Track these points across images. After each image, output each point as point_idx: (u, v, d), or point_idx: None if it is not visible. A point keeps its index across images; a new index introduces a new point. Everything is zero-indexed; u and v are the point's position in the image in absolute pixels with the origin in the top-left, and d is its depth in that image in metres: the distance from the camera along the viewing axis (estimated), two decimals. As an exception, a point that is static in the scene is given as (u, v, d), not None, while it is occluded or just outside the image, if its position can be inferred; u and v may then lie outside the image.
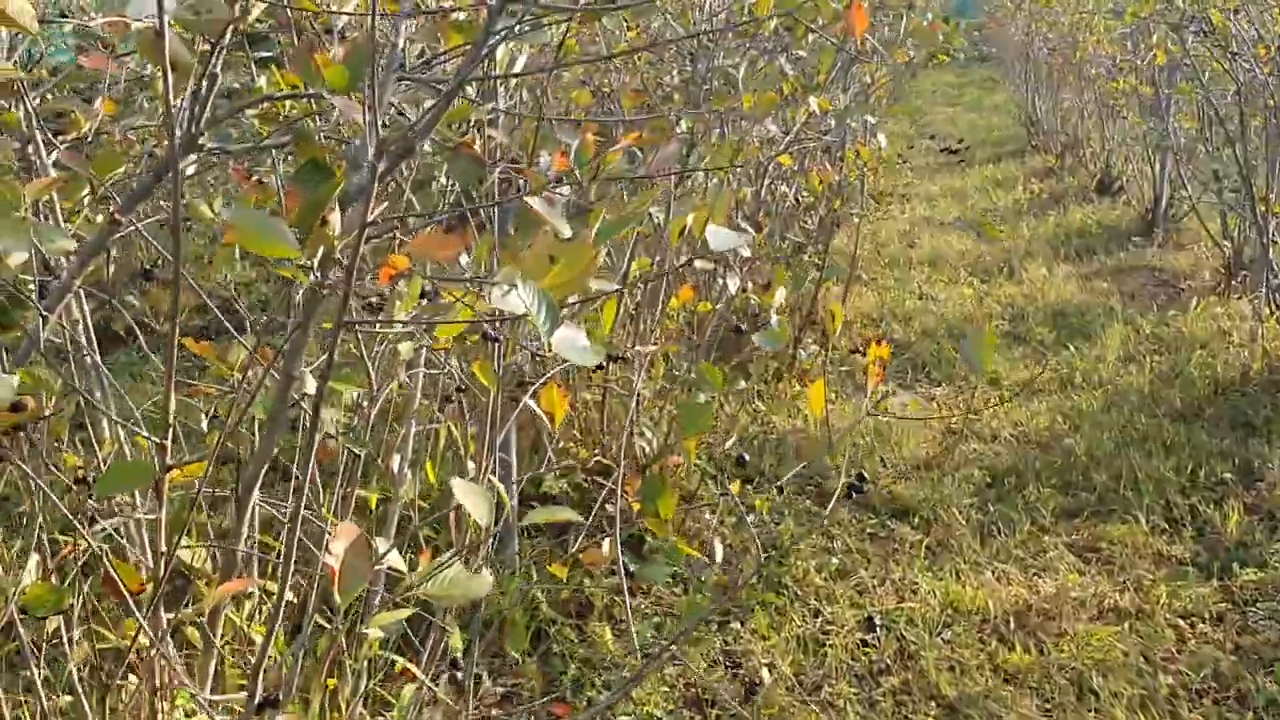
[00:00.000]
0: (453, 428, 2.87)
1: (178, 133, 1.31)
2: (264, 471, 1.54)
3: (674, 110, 3.01)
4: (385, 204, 1.07)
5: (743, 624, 3.19)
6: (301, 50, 1.35)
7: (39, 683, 1.60)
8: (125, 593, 1.39)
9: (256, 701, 1.26)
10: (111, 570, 1.41)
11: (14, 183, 1.46)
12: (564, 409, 1.65)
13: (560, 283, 1.03)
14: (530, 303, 0.97)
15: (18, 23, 1.12)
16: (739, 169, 3.53)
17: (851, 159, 4.41)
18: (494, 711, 2.77)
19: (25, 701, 2.01)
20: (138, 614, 1.38)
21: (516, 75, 1.93)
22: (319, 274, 1.11)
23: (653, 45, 3.45)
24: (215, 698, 1.30)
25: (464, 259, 1.50)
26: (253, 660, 1.38)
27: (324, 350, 1.34)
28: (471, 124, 2.07)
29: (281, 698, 1.29)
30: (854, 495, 1.88)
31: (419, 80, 1.42)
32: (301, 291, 1.30)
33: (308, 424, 1.43)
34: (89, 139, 1.64)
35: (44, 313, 1.53)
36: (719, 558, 1.98)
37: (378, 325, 1.36)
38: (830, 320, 2.24)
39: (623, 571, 1.75)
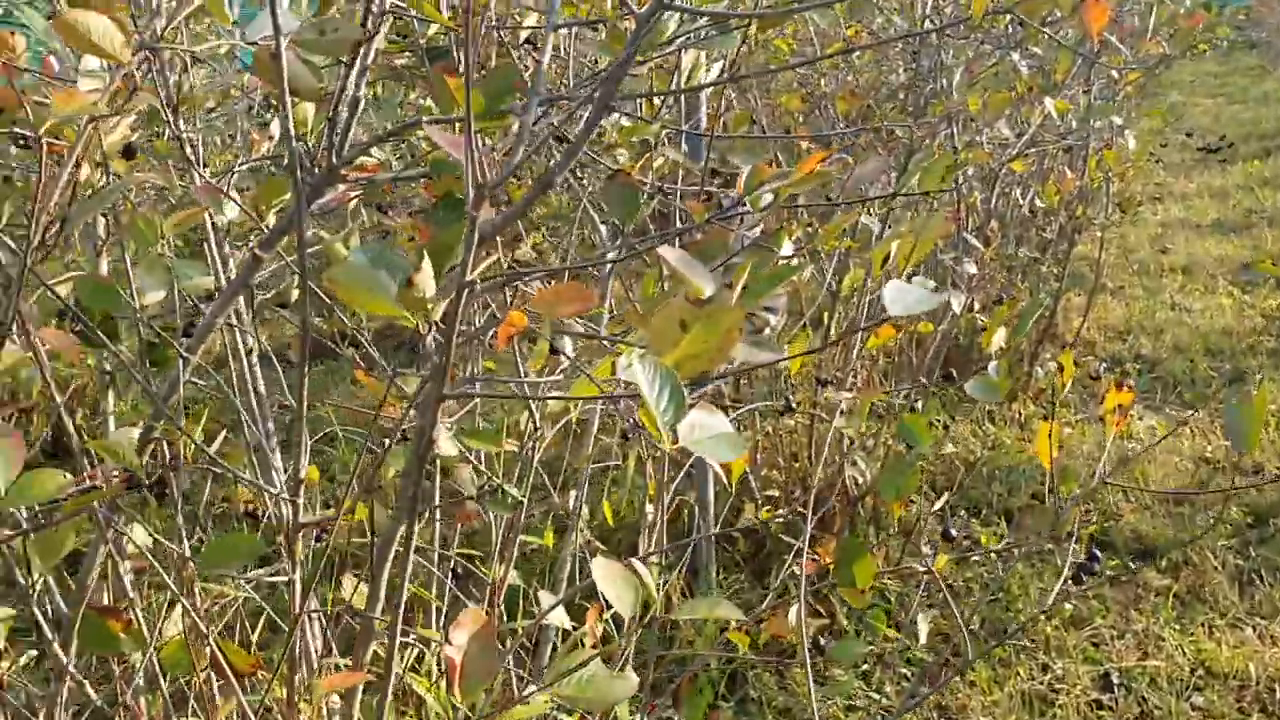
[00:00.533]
0: (641, 452, 2.71)
1: (300, 157, 1.18)
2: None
3: (887, 120, 2.74)
4: (492, 258, 0.90)
5: (961, 675, 2.90)
6: (436, 72, 1.20)
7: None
8: (231, 675, 1.29)
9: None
10: (218, 650, 1.30)
11: (153, 215, 1.39)
12: (742, 465, 1.44)
13: (691, 355, 0.83)
14: (648, 382, 0.78)
15: (105, 50, 1.01)
16: (962, 180, 3.21)
17: (1094, 165, 3.98)
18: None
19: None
20: (240, 694, 1.26)
21: (690, 90, 1.73)
22: (437, 325, 0.95)
23: (871, 45, 3.18)
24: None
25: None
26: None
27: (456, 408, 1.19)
28: (656, 142, 1.89)
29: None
30: (1084, 575, 1.59)
31: (559, 99, 1.25)
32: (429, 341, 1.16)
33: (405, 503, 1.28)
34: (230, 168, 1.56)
35: (184, 354, 1.45)
36: (924, 637, 1.72)
37: (483, 395, 1.20)
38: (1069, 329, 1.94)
39: (806, 652, 1.53)
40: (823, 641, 1.91)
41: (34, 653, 1.58)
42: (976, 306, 3.79)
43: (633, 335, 0.99)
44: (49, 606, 1.68)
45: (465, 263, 0.84)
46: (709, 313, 0.83)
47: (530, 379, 1.27)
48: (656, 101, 2.17)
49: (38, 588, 1.38)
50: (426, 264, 0.87)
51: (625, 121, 1.88)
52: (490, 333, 1.17)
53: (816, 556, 1.93)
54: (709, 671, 2.89)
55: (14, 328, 1.39)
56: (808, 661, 1.76)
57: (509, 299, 1.32)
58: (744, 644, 1.77)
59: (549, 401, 1.46)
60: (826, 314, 2.88)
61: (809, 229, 3.39)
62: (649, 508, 1.95)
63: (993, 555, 3.36)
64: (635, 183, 1.29)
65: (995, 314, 2.23)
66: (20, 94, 1.01)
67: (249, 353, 1.99)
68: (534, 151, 1.38)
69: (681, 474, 2.39)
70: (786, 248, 1.44)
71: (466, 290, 0.86)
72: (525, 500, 1.70)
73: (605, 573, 1.15)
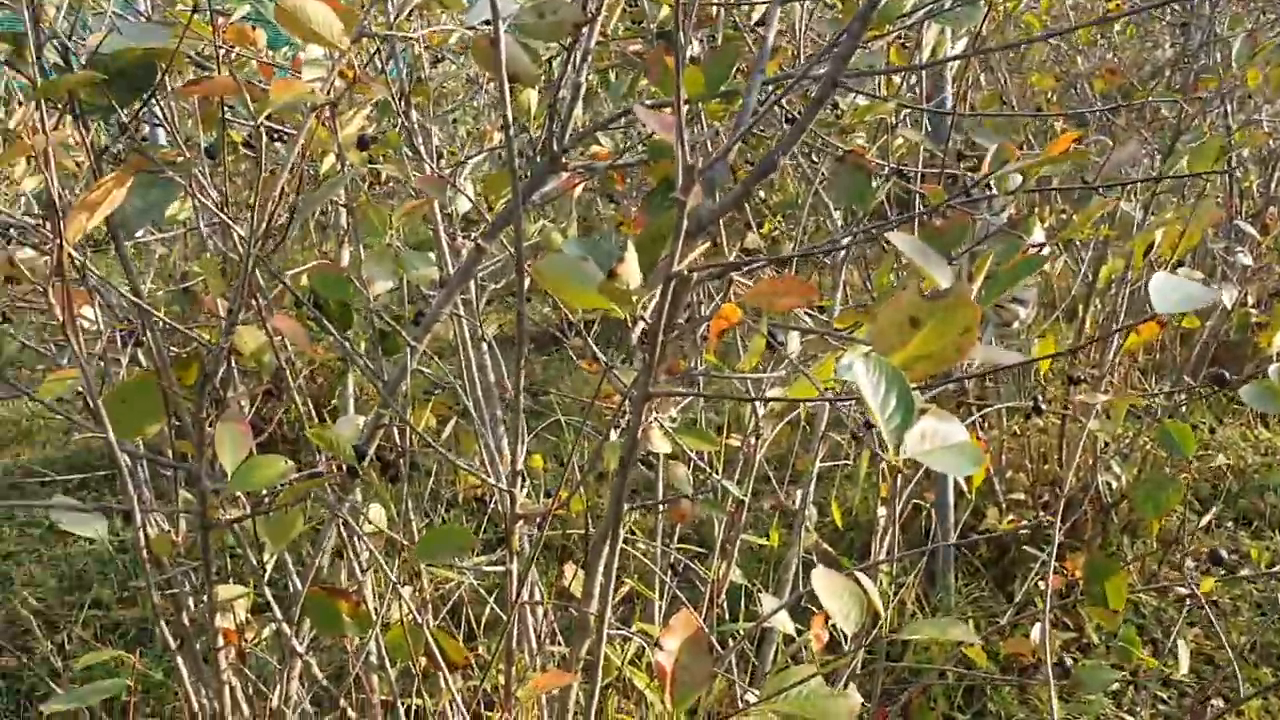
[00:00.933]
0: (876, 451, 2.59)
1: (520, 147, 1.16)
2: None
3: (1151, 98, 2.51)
4: (706, 245, 0.84)
5: (1226, 699, 2.64)
6: (655, 55, 1.15)
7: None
8: (445, 667, 1.28)
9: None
10: (433, 642, 1.30)
11: (381, 206, 1.40)
12: (984, 472, 1.33)
13: (922, 355, 0.74)
14: (871, 386, 0.70)
15: (325, 39, 1.01)
16: (1235, 162, 2.92)
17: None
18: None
19: None
20: (451, 687, 1.25)
21: (931, 65, 1.61)
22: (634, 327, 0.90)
23: (1134, 11, 2.93)
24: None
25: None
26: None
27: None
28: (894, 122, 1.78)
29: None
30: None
31: (785, 78, 1.17)
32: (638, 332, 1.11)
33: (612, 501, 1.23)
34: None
35: (411, 343, 1.46)
36: (1185, 666, 1.55)
37: (684, 397, 1.14)
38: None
39: (1050, 671, 1.39)
40: (1069, 661, 1.75)
41: (273, 627, 1.63)
42: (1250, 301, 3.45)
43: (862, 331, 0.91)
44: (289, 583, 1.75)
45: (674, 252, 0.79)
46: (943, 308, 0.74)
47: (749, 375, 1.21)
48: (896, 80, 2.05)
49: (269, 567, 1.42)
50: (630, 255, 0.82)
51: (861, 101, 1.78)
52: (705, 326, 1.11)
53: (1064, 569, 1.78)
54: (944, 681, 2.74)
55: (249, 314, 1.44)
56: (1051, 682, 1.62)
57: (726, 291, 1.26)
58: (981, 660, 1.65)
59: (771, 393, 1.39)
60: (1081, 307, 2.67)
61: (1062, 215, 3.17)
62: (881, 510, 1.85)
63: (1265, 572, 3.05)
64: (867, 164, 1.20)
65: (1275, 310, 1.99)
66: (247, 84, 1.03)
67: (478, 341, 2.01)
68: (761, 134, 1.31)
69: (919, 474, 2.27)
70: (1037, 235, 1.31)
71: (675, 282, 0.80)
72: (746, 499, 1.63)
73: (827, 584, 1.07)
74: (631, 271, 0.81)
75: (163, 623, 1.29)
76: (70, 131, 1.14)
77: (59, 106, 1.11)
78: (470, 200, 1.52)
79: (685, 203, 0.76)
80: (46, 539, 3.84)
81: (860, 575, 1.06)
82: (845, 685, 1.14)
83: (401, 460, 1.58)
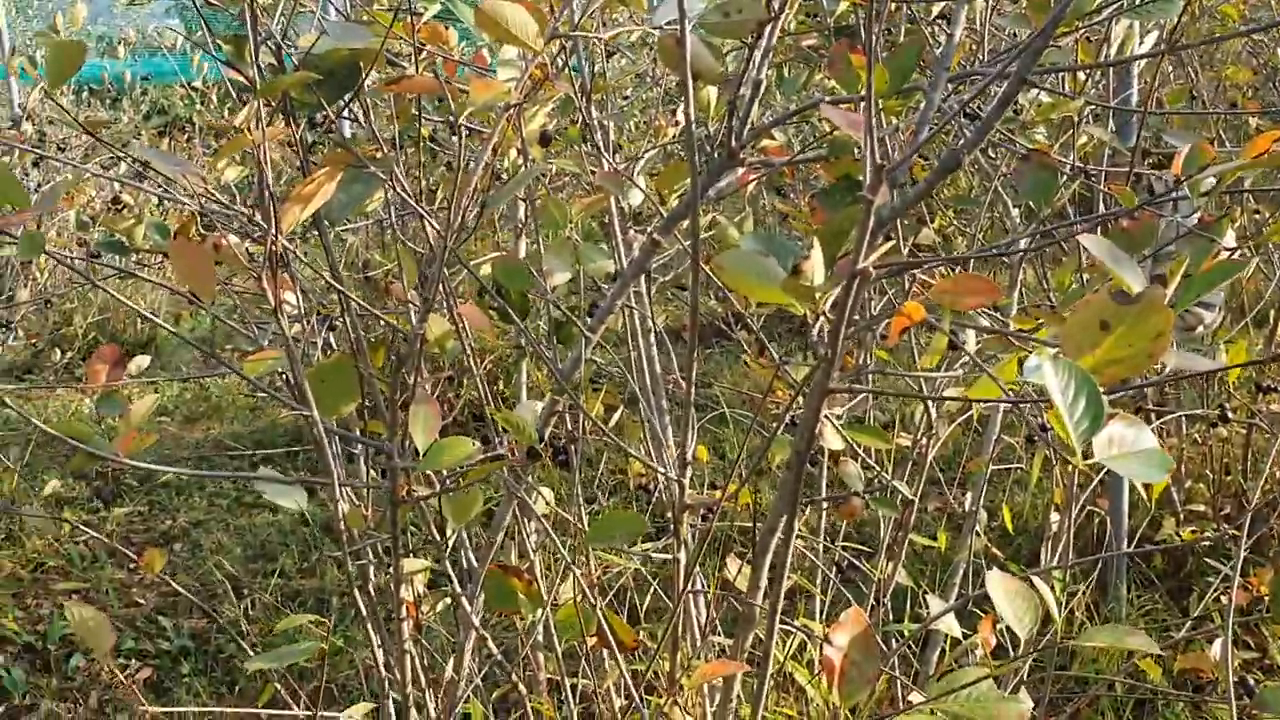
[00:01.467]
0: (1049, 455, 2.53)
1: (699, 142, 1.18)
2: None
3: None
4: (890, 244, 0.85)
5: None
6: (837, 50, 1.15)
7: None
8: (615, 648, 1.31)
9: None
10: (605, 624, 1.34)
11: (561, 199, 1.45)
12: (1164, 482, 1.29)
13: (1113, 360, 0.73)
14: (1060, 388, 0.69)
15: (520, 39, 1.05)
16: None
17: None
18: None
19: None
20: (622, 666, 1.29)
21: (1120, 62, 1.57)
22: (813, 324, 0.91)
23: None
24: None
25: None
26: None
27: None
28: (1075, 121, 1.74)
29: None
30: None
31: (970, 74, 1.16)
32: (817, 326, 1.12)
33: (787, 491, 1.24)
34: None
35: (586, 333, 1.50)
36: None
37: (868, 395, 1.14)
38: None
39: (1231, 691, 1.35)
40: (1251, 681, 1.68)
41: (448, 600, 1.71)
42: None
43: (1044, 332, 0.90)
44: (462, 560, 1.82)
45: (859, 249, 0.79)
46: (1136, 312, 0.73)
47: (923, 374, 1.20)
48: (1080, 76, 2.00)
49: (451, 543, 1.48)
50: (816, 251, 0.83)
51: (1044, 98, 1.74)
52: (883, 324, 1.11)
53: (1249, 584, 1.71)
54: (1112, 694, 2.66)
55: (440, 302, 1.50)
56: (1233, 703, 1.56)
57: (907, 288, 1.26)
58: (1156, 675, 1.60)
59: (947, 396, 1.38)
60: (1274, 313, 2.55)
61: (1255, 216, 3.01)
62: (1055, 516, 1.81)
63: None
64: (1053, 162, 1.18)
65: None
66: (446, 83, 1.08)
67: (647, 333, 2.05)
68: (940, 130, 1.30)
69: (1096, 481, 2.20)
70: (1229, 238, 1.26)
71: (858, 279, 0.81)
72: (916, 499, 1.62)
73: (1003, 588, 1.06)
74: (816, 268, 0.82)
75: (356, 590, 1.37)
76: (280, 128, 1.22)
77: (273, 104, 1.19)
78: (644, 193, 1.56)
79: (873, 202, 0.77)
80: (233, 509, 4.08)
81: (1036, 579, 1.05)
82: (1014, 691, 1.12)
83: (574, 446, 1.63)
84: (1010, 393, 0.87)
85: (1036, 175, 1.19)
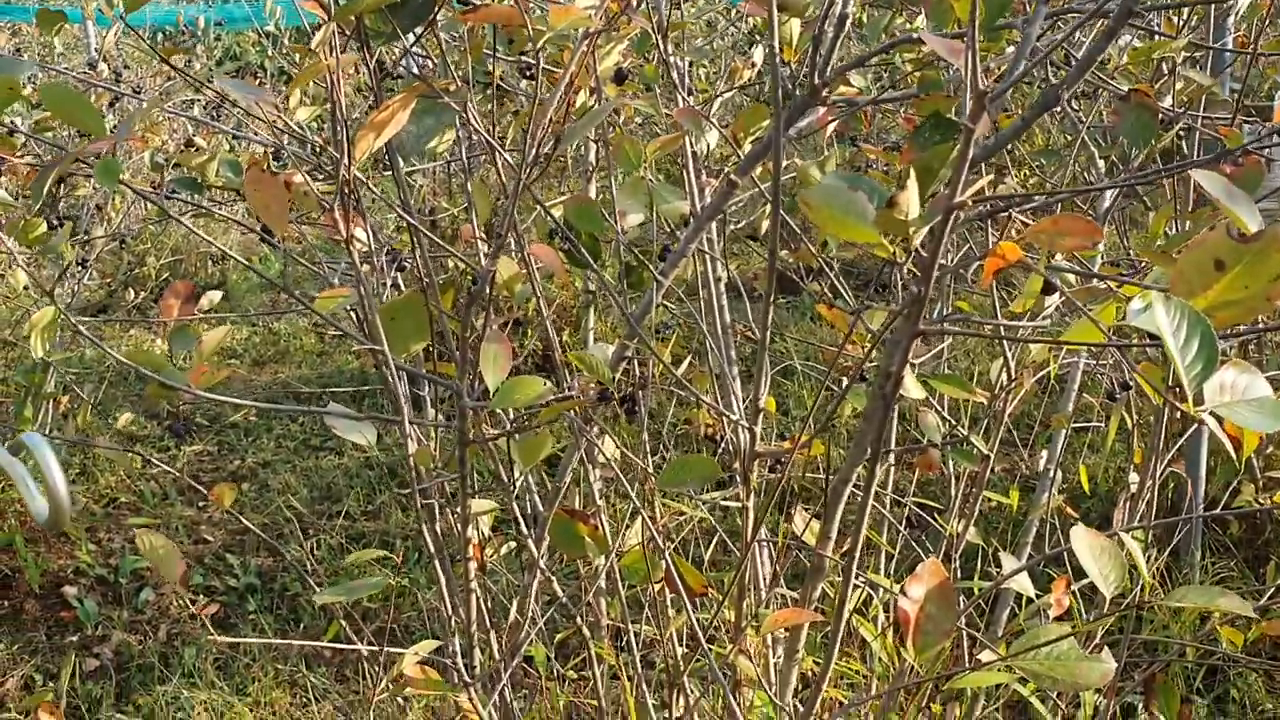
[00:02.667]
0: (1125, 416, 2.46)
1: (781, 80, 1.14)
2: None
3: None
4: (988, 177, 0.80)
5: None
6: (931, -19, 1.10)
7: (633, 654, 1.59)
8: (684, 592, 1.30)
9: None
10: (674, 569, 1.32)
11: (636, 140, 1.41)
12: (1255, 440, 1.24)
13: (1228, 301, 0.69)
14: (1171, 329, 0.65)
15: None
16: None
17: None
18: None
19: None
20: (691, 612, 1.27)
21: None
22: (904, 262, 0.87)
23: None
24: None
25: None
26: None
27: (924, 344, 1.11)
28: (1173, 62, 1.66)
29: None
30: None
31: (1069, 11, 1.10)
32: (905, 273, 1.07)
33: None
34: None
35: (658, 278, 1.47)
36: None
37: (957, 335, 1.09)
38: None
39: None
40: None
41: (513, 544, 1.70)
42: None
43: (1148, 277, 0.85)
44: (528, 504, 1.82)
45: (956, 181, 0.76)
46: (1254, 251, 0.68)
47: (1008, 323, 1.16)
48: (1175, 21, 1.92)
49: (518, 486, 1.47)
50: (912, 182, 0.79)
51: (1136, 43, 1.67)
52: (973, 268, 1.07)
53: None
54: (1183, 661, 2.60)
55: (511, 243, 1.48)
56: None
57: (989, 233, 1.21)
58: (1238, 640, 1.55)
59: (1029, 350, 1.33)
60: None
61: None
62: (1133, 476, 1.76)
63: None
64: (1153, 103, 1.12)
65: None
66: (524, 12, 1.05)
67: (717, 281, 2.01)
68: (1033, 68, 1.25)
69: (1180, 442, 2.14)
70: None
71: (954, 214, 0.77)
72: (991, 454, 1.58)
73: (1088, 545, 1.02)
74: (911, 201, 0.78)
75: (423, 528, 1.36)
76: (353, 56, 1.20)
77: (346, 32, 1.16)
78: (721, 133, 1.52)
79: (973, 130, 0.73)
80: (300, 451, 4.13)
81: (1125, 537, 1.01)
82: (1097, 650, 1.09)
83: (643, 392, 1.61)
84: (1112, 337, 0.82)
85: (1136, 116, 1.13)
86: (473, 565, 1.41)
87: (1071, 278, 1.21)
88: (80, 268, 3.78)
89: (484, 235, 1.39)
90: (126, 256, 5.46)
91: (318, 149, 1.39)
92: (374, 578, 1.31)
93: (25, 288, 3.55)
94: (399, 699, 1.61)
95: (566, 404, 1.15)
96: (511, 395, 1.13)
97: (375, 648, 1.38)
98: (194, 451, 4.11)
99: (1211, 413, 0.72)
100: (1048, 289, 1.08)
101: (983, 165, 1.38)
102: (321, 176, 1.69)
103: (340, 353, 5.08)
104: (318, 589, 1.55)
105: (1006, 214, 1.11)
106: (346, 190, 1.07)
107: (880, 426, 0.92)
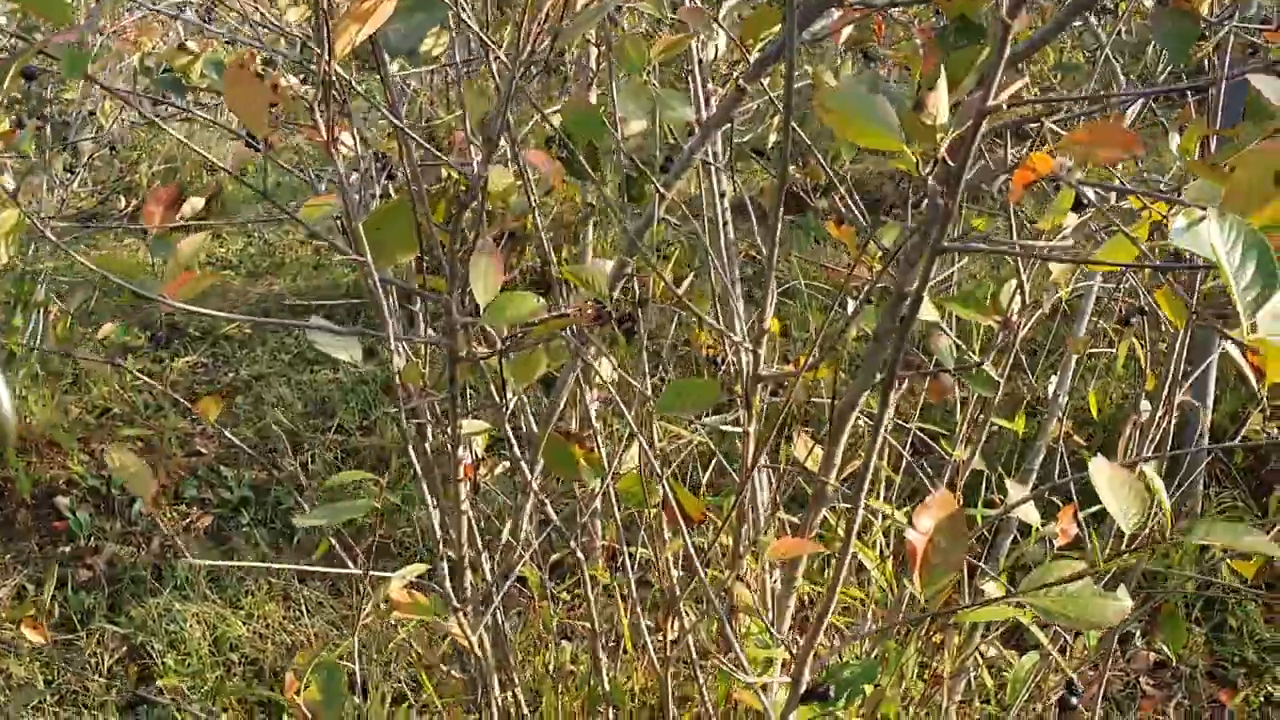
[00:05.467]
0: (1136, 345, 2.41)
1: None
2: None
3: None
4: (1021, 82, 0.74)
5: None
6: None
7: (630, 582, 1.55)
8: (681, 519, 1.25)
9: (803, 690, 1.05)
10: (671, 494, 1.27)
11: (640, 40, 1.33)
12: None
13: (1287, 219, 0.63)
14: (1226, 247, 0.59)
15: None
16: None
17: None
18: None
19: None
20: (687, 537, 1.22)
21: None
22: (929, 173, 0.81)
23: None
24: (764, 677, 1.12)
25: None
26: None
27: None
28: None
29: (833, 691, 1.07)
30: None
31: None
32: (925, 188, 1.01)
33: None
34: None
35: (660, 190, 1.40)
36: None
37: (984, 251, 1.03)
38: None
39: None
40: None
41: (507, 464, 1.66)
42: None
43: (1187, 191, 0.79)
44: (522, 425, 1.77)
45: (989, 83, 0.69)
46: (1318, 163, 0.62)
47: (1026, 242, 1.09)
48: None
49: (511, 406, 1.42)
50: (941, 84, 0.72)
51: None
52: (1000, 181, 1.01)
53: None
54: (1181, 592, 2.58)
55: (505, 150, 1.41)
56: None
57: (1008, 148, 1.14)
58: (1248, 572, 1.51)
59: (1049, 272, 1.27)
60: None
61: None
62: (1145, 404, 1.71)
63: None
64: (1195, 10, 1.04)
65: None
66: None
67: (722, 195, 1.94)
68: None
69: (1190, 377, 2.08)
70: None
71: (986, 118, 0.70)
72: (1002, 380, 1.53)
73: (1107, 477, 0.97)
74: (940, 104, 0.71)
75: (411, 449, 1.31)
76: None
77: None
78: (730, 36, 1.43)
79: (1010, 26, 0.66)
80: (295, 365, 4.07)
81: (1149, 470, 0.96)
82: (1113, 587, 1.05)
83: (642, 311, 1.55)
84: (1148, 256, 0.76)
85: (1174, 23, 1.06)
86: (464, 486, 1.36)
87: (1111, 187, 1.14)
88: (69, 174, 3.69)
89: (476, 142, 1.32)
90: (118, 164, 5.36)
91: (302, 45, 1.31)
92: (362, 499, 1.27)
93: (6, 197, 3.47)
94: (390, 619, 1.58)
95: (561, 322, 1.10)
96: (503, 312, 1.07)
97: (364, 568, 1.34)
98: (187, 363, 4.06)
99: (1234, 340, 0.66)
100: (1079, 205, 1.01)
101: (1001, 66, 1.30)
102: (310, 80, 1.61)
103: (335, 265, 5.00)
104: (310, 504, 1.51)
105: (1038, 126, 1.03)
106: (328, 87, 1.00)
107: (897, 350, 0.86)
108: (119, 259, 4.62)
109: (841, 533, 1.87)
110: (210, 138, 5.51)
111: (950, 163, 0.74)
